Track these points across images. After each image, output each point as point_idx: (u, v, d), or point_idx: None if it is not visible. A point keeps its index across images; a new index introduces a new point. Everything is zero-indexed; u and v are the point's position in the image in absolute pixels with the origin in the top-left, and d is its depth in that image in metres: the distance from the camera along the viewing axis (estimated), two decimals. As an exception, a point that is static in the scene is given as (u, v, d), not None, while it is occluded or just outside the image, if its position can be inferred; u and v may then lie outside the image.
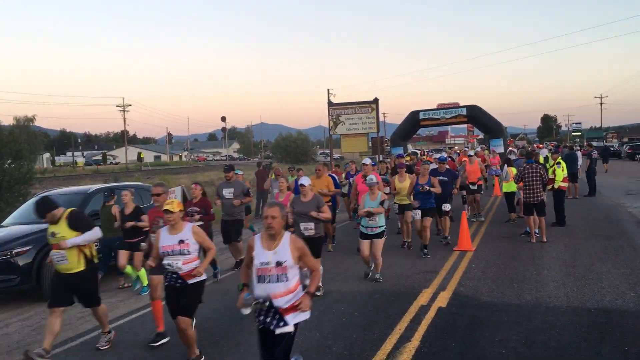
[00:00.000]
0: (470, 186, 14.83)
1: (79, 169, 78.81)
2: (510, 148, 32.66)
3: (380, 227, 8.68)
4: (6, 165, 18.81)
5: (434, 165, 13.40)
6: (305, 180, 8.25)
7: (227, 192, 10.35)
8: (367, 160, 11.71)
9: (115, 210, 9.46)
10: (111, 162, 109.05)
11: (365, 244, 8.77)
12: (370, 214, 8.47)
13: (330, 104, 38.06)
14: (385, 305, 7.57)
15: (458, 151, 25.26)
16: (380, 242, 8.72)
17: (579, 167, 20.51)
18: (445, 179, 11.81)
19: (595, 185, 20.19)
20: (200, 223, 8.41)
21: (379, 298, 7.93)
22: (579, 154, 22.25)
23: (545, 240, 11.46)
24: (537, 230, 11.70)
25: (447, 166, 13.64)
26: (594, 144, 36.12)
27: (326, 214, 8.04)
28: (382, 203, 8.66)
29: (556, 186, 13.49)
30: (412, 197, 10.92)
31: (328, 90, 40.98)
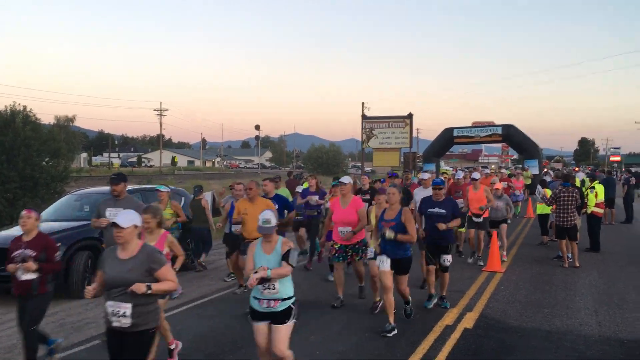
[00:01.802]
0: (474, 218, 11.53)
1: (115, 169, 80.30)
2: (545, 170, 32.07)
3: (284, 300, 4.95)
4: (44, 162, 19.23)
5: (425, 192, 9.58)
6: (122, 219, 4.24)
7: (111, 214, 6.75)
8: (347, 179, 8.39)
9: (205, 203, 11.41)
10: (145, 165, 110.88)
11: (260, 332, 5.02)
12: (265, 280, 4.85)
13: (364, 117, 38.06)
14: (409, 322, 7.41)
15: (488, 171, 23.87)
16: (283, 330, 4.96)
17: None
18: (443, 211, 7.99)
19: (632, 212, 19.65)
20: (34, 277, 5.54)
21: (404, 315, 7.79)
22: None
23: (578, 265, 11.13)
24: (569, 255, 11.39)
25: (449, 192, 11.18)
26: (633, 169, 35.21)
27: (166, 284, 4.32)
28: (286, 257, 4.94)
29: (589, 211, 13.14)
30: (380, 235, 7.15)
31: (363, 103, 40.98)
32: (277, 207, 8.08)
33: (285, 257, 4.96)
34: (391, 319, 6.95)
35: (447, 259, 8.09)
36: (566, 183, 11.64)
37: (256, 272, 4.82)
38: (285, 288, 4.99)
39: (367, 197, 10.59)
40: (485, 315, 7.74)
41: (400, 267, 7.03)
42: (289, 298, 5.01)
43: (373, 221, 7.78)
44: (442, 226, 7.81)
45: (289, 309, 4.97)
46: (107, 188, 12.98)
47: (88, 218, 9.75)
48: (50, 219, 10.03)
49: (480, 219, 11.43)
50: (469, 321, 7.45)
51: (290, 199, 11.08)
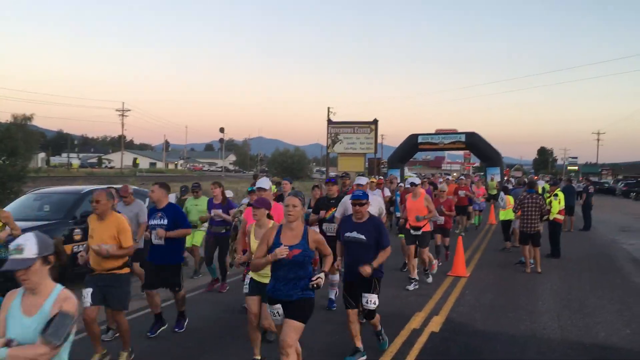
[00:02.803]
0: (412, 231, 9.79)
1: (74, 170, 78.50)
2: (506, 178, 32.73)
3: None
4: (0, 161, 18.64)
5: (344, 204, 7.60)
6: None
7: None
8: (266, 183, 6.79)
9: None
10: (106, 166, 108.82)
11: None
12: None
13: (329, 122, 38.14)
14: (376, 326, 7.41)
15: (450, 177, 23.39)
16: None
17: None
18: (362, 237, 5.82)
19: (590, 220, 20.17)
20: None
21: (371, 319, 7.78)
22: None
23: (539, 270, 11.34)
24: (531, 261, 11.59)
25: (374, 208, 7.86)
26: (592, 179, 36.30)
27: None
28: (45, 328, 2.84)
29: (551, 218, 13.42)
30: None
31: (328, 108, 41.14)
32: (165, 222, 6.62)
33: (45, 327, 2.83)
34: None
35: (371, 299, 5.86)
36: (531, 190, 11.85)
37: None
38: None
39: None
40: (451, 319, 7.79)
41: (293, 310, 4.71)
42: None
43: (253, 245, 5.57)
44: (366, 271, 5.60)
45: None
46: (66, 188, 12.69)
47: (48, 218, 9.50)
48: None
49: (419, 232, 9.70)
50: (435, 325, 7.48)
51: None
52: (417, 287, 9.61)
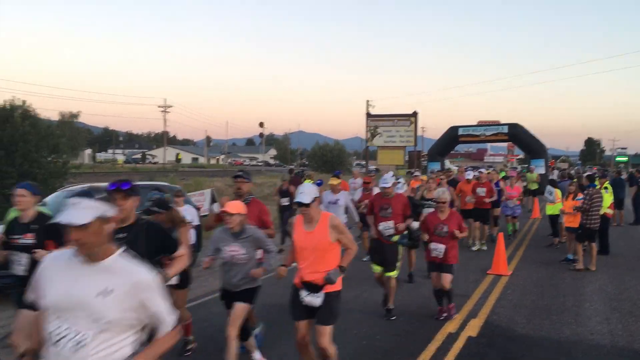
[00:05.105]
0: (304, 296, 4.85)
1: (118, 166, 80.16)
2: (550, 169, 31.62)
3: None
4: (42, 158, 18.94)
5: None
6: None
7: None
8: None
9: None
10: (150, 162, 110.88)
11: None
12: None
13: (369, 115, 37.68)
14: (409, 330, 7.04)
15: (484, 171, 15.47)
16: None
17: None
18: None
19: (641, 214, 19.18)
20: None
21: (404, 322, 7.40)
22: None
23: (594, 268, 10.71)
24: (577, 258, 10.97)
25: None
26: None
27: None
28: None
29: (601, 212, 12.71)
30: None
31: (367, 101, 40.55)
32: None
33: None
34: None
35: None
36: (593, 184, 11.18)
37: None
38: None
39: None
40: (490, 322, 7.35)
41: None
42: None
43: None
44: None
45: None
46: (102, 184, 12.74)
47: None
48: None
49: (318, 298, 4.80)
50: (473, 329, 7.06)
51: None
52: None
